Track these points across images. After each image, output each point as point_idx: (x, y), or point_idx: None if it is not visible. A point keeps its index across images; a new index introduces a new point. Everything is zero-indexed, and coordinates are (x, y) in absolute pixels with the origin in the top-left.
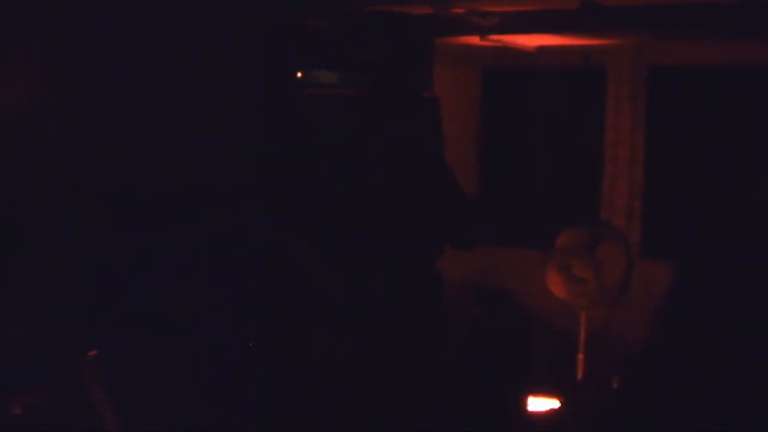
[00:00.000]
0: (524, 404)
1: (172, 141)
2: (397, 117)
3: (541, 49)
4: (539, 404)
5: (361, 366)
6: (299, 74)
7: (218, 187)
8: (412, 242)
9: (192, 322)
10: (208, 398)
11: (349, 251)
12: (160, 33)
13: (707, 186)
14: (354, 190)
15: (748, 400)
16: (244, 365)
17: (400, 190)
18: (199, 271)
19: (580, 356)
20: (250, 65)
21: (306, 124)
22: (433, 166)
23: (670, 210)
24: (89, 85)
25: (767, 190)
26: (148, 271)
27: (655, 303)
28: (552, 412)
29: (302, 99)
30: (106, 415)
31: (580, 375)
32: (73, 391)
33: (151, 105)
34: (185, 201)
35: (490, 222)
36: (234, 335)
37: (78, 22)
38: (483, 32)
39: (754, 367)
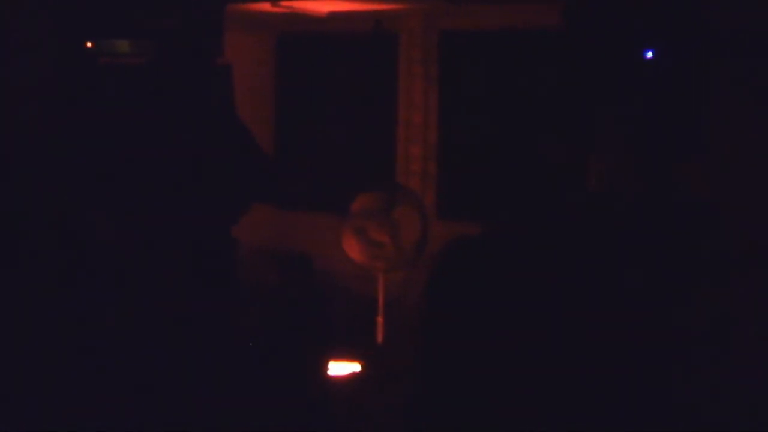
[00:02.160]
0: (325, 369)
1: None
2: (188, 84)
3: (333, 15)
4: (340, 368)
5: (161, 333)
6: (90, 44)
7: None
8: (206, 209)
9: None
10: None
11: (143, 219)
12: None
13: (499, 147)
14: (147, 157)
15: (534, 362)
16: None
17: (193, 157)
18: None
19: (380, 319)
20: (39, 34)
21: (99, 93)
22: (227, 131)
23: (464, 172)
24: None
25: (556, 151)
26: None
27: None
28: (353, 376)
29: (95, 68)
30: None
31: (379, 338)
32: None
33: None
34: None
35: (287, 186)
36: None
37: None
38: None
39: (535, 328)
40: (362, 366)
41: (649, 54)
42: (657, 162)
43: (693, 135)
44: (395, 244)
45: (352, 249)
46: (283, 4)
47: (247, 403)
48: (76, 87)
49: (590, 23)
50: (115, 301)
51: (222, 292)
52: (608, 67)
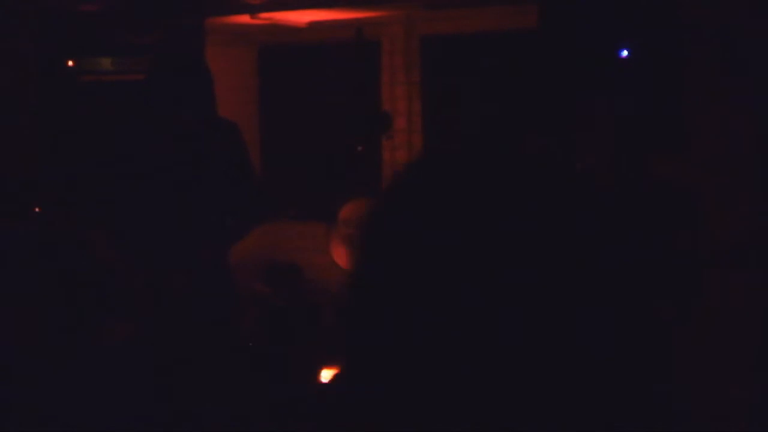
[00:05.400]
0: (317, 377)
1: None
2: (174, 101)
3: (313, 25)
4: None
5: (160, 352)
6: (71, 62)
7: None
8: (201, 226)
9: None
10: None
11: (140, 240)
12: None
13: (483, 149)
14: (139, 176)
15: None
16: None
17: (181, 176)
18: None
19: None
20: (21, 54)
21: (84, 112)
22: (213, 150)
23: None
24: None
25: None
26: None
27: None
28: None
29: (78, 87)
30: None
31: None
32: None
33: None
34: None
35: (272, 200)
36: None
37: None
38: (253, 10)
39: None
40: None
41: (624, 52)
42: (637, 158)
43: (671, 130)
44: None
45: (341, 257)
46: (263, 15)
47: (239, 412)
48: (57, 105)
49: (566, 23)
50: (110, 315)
51: (217, 305)
52: (586, 66)
